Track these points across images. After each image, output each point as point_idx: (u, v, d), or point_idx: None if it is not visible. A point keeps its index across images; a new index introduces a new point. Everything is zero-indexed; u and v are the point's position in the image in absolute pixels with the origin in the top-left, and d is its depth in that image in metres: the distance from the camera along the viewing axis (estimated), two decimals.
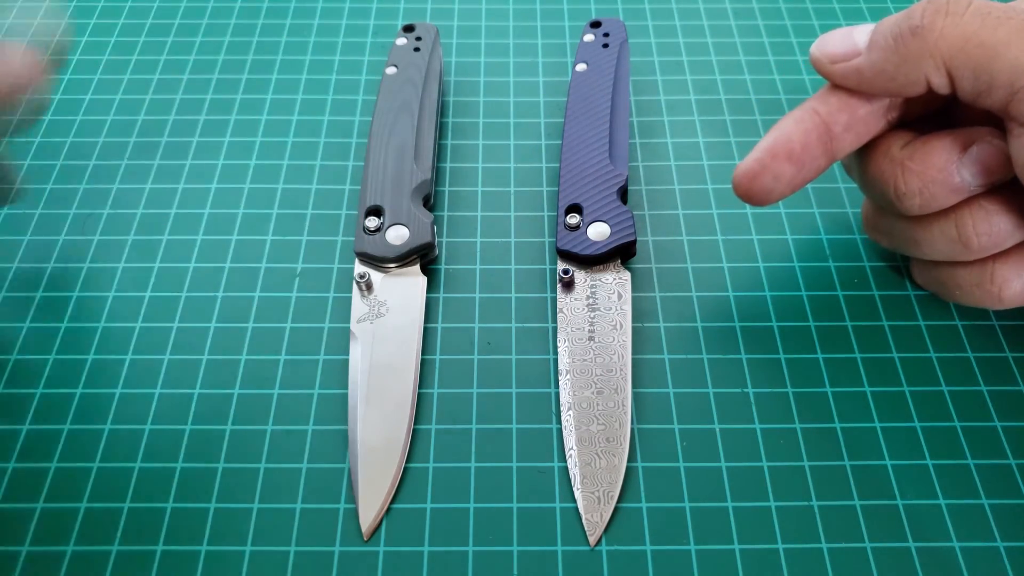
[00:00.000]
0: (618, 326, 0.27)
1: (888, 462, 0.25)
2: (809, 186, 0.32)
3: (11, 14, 0.35)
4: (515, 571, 0.23)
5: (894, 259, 0.30)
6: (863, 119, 0.25)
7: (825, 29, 0.38)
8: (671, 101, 0.35)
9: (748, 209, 0.31)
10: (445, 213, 0.31)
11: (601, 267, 0.28)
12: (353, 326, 0.27)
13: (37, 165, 0.33)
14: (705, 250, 0.30)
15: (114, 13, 0.39)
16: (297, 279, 0.29)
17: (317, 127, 0.34)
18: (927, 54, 0.22)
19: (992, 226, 0.24)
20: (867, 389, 0.27)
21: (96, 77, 0.36)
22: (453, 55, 0.37)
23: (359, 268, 0.28)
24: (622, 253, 0.28)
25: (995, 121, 0.23)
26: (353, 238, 0.30)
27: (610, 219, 0.28)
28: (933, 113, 0.26)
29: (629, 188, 0.32)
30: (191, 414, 0.26)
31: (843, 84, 0.25)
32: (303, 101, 0.35)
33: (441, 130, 0.34)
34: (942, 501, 0.24)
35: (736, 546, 0.23)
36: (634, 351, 0.27)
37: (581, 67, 0.34)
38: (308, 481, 0.25)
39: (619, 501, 0.24)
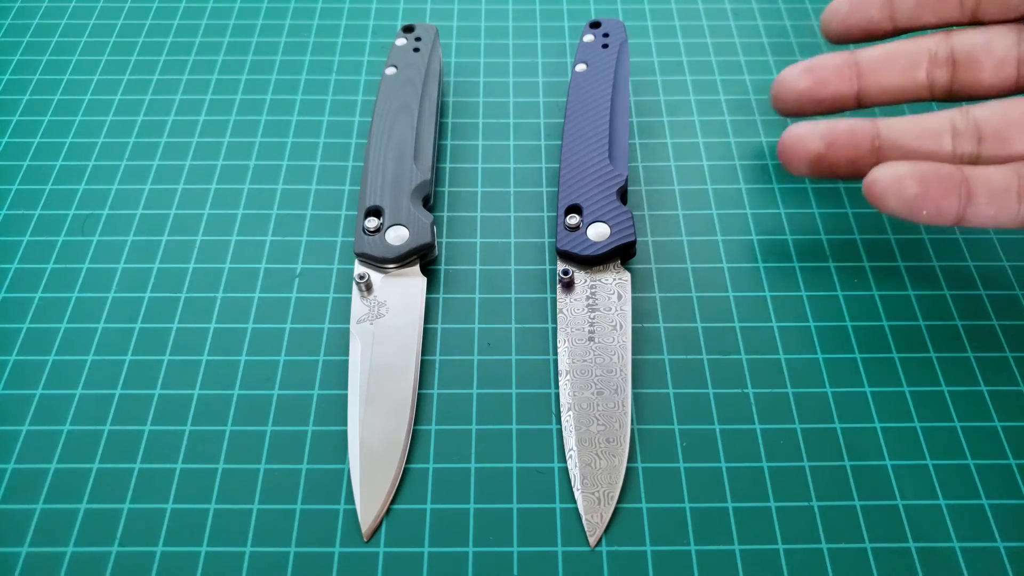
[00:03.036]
0: (618, 326, 0.27)
1: (888, 462, 0.25)
2: (809, 186, 0.32)
3: None
4: (515, 572, 0.23)
5: (893, 260, 0.30)
6: None
7: None
8: (671, 101, 0.35)
9: (748, 209, 0.31)
10: (445, 213, 0.31)
11: (601, 267, 0.28)
12: (353, 327, 0.27)
13: (37, 165, 0.33)
14: (705, 250, 0.30)
15: (113, 13, 0.39)
16: (297, 280, 0.29)
17: (316, 128, 0.34)
18: None
19: None
20: (867, 389, 0.27)
21: (95, 77, 0.36)
22: (453, 55, 0.37)
23: (359, 269, 0.28)
24: (622, 253, 0.28)
25: None
26: (353, 239, 0.30)
27: (610, 219, 0.28)
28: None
29: (629, 188, 0.32)
30: (191, 414, 0.26)
31: None
32: (302, 102, 0.35)
33: (441, 130, 0.34)
34: (942, 501, 0.24)
35: (736, 546, 0.23)
36: (634, 351, 0.27)
37: (581, 67, 0.33)
38: (308, 482, 0.25)
39: (619, 502, 0.24)
